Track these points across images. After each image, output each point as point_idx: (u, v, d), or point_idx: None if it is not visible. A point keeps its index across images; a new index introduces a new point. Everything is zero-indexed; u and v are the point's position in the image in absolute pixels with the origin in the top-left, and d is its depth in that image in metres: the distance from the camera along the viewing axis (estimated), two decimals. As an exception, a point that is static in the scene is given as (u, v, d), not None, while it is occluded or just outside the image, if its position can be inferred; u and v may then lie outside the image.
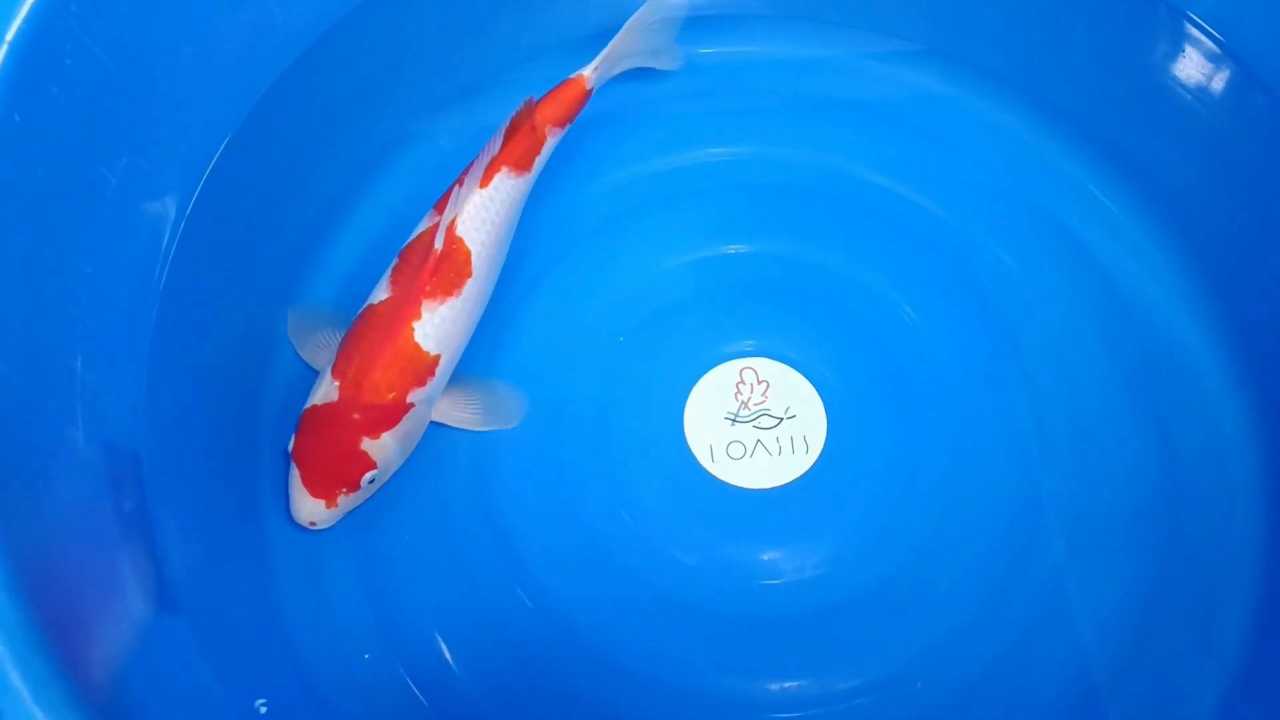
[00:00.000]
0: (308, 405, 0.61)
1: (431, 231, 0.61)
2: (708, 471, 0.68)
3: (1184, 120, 0.72)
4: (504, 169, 0.63)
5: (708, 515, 0.67)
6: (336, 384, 0.60)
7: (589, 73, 0.67)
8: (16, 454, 0.48)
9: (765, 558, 0.66)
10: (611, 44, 0.67)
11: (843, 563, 0.66)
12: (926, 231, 0.73)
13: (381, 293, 0.62)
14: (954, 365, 0.70)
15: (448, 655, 0.63)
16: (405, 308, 0.60)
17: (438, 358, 0.61)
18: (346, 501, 0.60)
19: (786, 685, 0.64)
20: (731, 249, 0.73)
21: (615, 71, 0.69)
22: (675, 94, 0.76)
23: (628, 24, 0.68)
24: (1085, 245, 0.73)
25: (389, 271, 0.63)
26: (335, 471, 0.59)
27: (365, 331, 0.60)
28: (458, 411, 0.65)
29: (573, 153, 0.73)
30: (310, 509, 0.59)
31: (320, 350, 0.64)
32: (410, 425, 0.61)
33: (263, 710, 0.58)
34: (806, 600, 0.66)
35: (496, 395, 0.66)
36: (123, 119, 0.59)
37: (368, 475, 0.60)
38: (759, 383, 0.70)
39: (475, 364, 0.68)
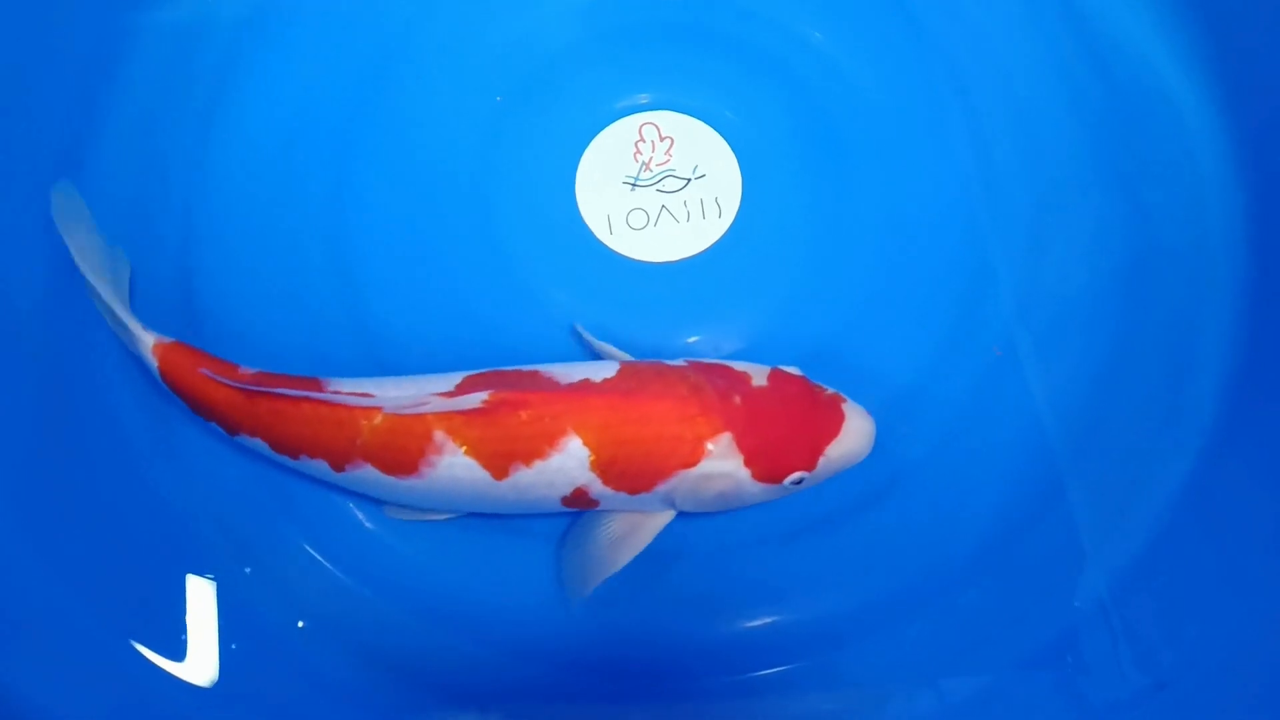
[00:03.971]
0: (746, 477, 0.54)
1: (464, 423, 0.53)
2: (605, 246, 0.63)
3: None
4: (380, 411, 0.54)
5: (609, 295, 0.63)
6: (728, 445, 0.53)
7: (149, 343, 0.56)
8: None
9: (680, 340, 0.62)
10: (101, 294, 0.57)
11: (765, 339, 0.62)
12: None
13: (574, 475, 0.53)
14: (883, 104, 0.65)
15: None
16: (577, 407, 0.53)
17: (617, 365, 0.56)
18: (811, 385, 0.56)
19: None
20: (620, -14, 0.65)
21: (125, 290, 0.59)
22: None
23: (84, 272, 0.58)
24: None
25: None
26: (814, 416, 0.55)
27: (638, 446, 0.53)
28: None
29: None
30: (867, 425, 0.56)
31: None
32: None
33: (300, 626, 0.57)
34: (728, 382, 0.62)
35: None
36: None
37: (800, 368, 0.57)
38: (661, 139, 0.65)
39: (325, 174, 0.63)
